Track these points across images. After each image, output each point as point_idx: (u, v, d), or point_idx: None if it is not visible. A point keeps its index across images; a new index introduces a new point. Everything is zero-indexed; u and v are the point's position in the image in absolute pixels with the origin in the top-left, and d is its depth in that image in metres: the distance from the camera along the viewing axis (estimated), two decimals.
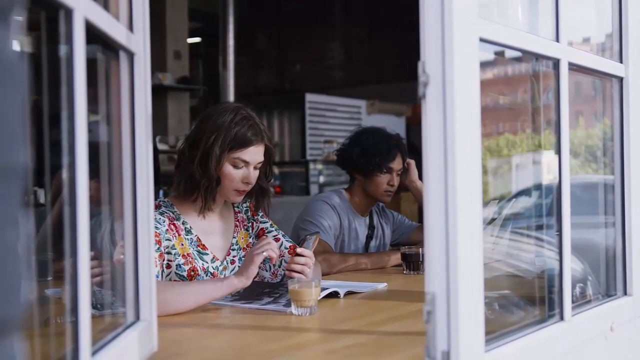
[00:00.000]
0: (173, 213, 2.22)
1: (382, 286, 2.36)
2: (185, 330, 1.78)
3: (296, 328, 1.77)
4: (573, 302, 1.56)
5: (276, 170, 7.78)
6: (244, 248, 2.36)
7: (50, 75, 1.06)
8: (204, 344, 1.65)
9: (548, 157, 1.91)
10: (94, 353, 1.10)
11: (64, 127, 1.03)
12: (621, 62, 1.82)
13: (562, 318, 1.52)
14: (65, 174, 1.03)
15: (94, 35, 1.12)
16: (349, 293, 2.19)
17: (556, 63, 1.52)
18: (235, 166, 2.20)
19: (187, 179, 2.21)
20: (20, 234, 0.58)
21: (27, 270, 0.60)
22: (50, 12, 1.01)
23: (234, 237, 2.35)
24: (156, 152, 5.05)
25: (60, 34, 1.02)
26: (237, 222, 2.39)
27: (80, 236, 1.02)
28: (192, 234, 2.23)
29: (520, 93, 2.09)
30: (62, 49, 1.03)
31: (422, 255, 2.66)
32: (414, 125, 8.32)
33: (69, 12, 1.01)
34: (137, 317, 1.38)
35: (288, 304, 1.92)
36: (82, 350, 1.02)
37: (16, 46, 0.60)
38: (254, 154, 2.22)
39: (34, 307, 1.14)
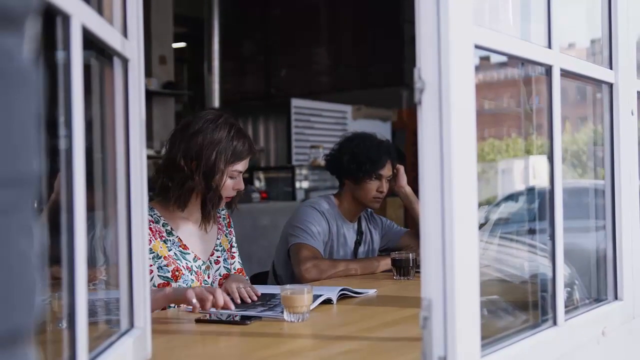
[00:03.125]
0: (152, 216, 2.25)
1: (372, 292, 2.36)
2: (178, 338, 1.77)
3: (289, 334, 1.77)
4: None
5: (262, 175, 7.76)
6: (227, 250, 2.45)
7: (46, 80, 1.05)
8: (197, 352, 1.64)
9: (534, 162, 1.92)
10: None
11: (61, 133, 1.03)
12: (611, 68, 1.83)
13: (555, 323, 1.53)
14: (62, 180, 1.02)
15: (88, 40, 1.12)
16: (342, 296, 2.19)
17: (548, 69, 1.53)
18: (231, 177, 2.30)
19: (187, 192, 2.26)
20: (34, 242, 0.58)
21: (39, 279, 0.59)
22: (47, 18, 1.00)
23: (218, 239, 2.43)
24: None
25: (57, 39, 1.01)
26: (220, 225, 2.47)
27: (77, 243, 1.02)
28: (173, 235, 2.29)
29: (506, 98, 2.10)
30: (59, 55, 1.03)
31: (412, 260, 2.67)
32: (400, 130, 8.34)
33: (66, 18, 1.00)
34: (132, 325, 1.37)
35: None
36: (79, 357, 1.01)
37: (29, 54, 0.60)
38: (247, 163, 2.34)
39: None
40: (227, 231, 2.50)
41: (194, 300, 1.90)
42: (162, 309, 2.10)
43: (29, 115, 0.57)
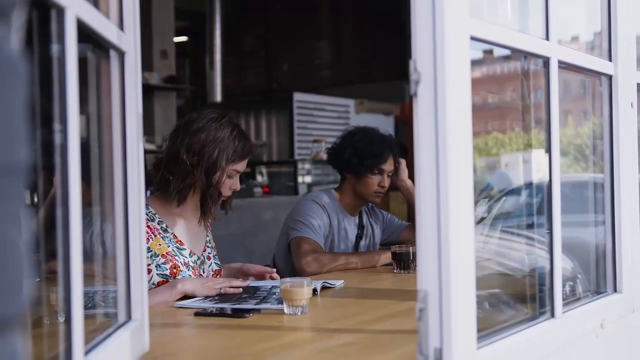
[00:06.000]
0: (147, 214, 2.26)
1: (339, 283, 2.39)
2: (176, 330, 1.78)
3: (288, 327, 1.77)
4: (563, 299, 1.57)
5: (264, 170, 7.76)
6: (214, 247, 2.50)
7: (41, 74, 1.05)
8: (195, 344, 1.64)
9: (537, 156, 1.92)
10: (86, 352, 1.09)
11: (55, 127, 1.03)
12: (610, 60, 1.83)
13: (553, 315, 1.53)
14: (57, 175, 1.02)
15: (84, 34, 1.12)
16: (324, 288, 2.25)
17: (546, 61, 1.53)
18: (229, 176, 2.33)
19: (187, 187, 2.29)
20: (22, 231, 0.59)
21: (28, 267, 0.60)
22: (41, 10, 1.00)
23: (207, 236, 2.48)
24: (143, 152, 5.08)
25: (51, 32, 1.01)
26: (209, 223, 2.50)
27: (73, 237, 1.02)
28: (168, 232, 2.31)
29: (509, 92, 2.09)
30: (54, 48, 1.03)
31: (413, 254, 2.67)
32: (403, 124, 8.33)
33: (60, 11, 1.00)
34: (129, 317, 1.38)
35: (280, 302, 1.92)
36: (75, 349, 1.02)
37: (17, 45, 0.60)
38: (245, 164, 2.38)
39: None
40: (211, 230, 2.55)
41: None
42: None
43: (16, 106, 0.57)
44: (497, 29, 1.38)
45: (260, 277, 2.44)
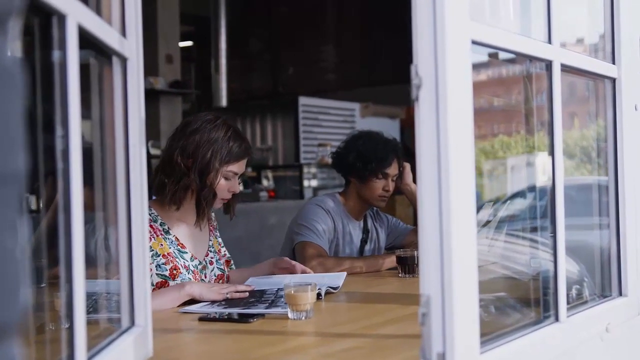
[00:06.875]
0: (150, 215, 2.27)
1: (342, 276, 2.41)
2: (180, 336, 1.78)
3: (292, 332, 1.77)
4: (569, 303, 1.56)
5: (270, 174, 7.77)
6: (217, 252, 2.49)
7: (43, 80, 1.05)
8: (199, 350, 1.64)
9: (542, 159, 1.91)
10: (89, 358, 1.09)
11: (58, 133, 1.03)
12: (614, 63, 1.82)
13: (557, 319, 1.52)
14: (59, 180, 1.02)
15: (86, 40, 1.12)
16: (328, 293, 2.23)
17: (549, 65, 1.53)
18: (226, 178, 2.33)
19: (182, 189, 2.29)
20: (19, 239, 0.59)
21: (25, 274, 0.60)
22: (43, 17, 1.01)
23: (210, 240, 2.47)
24: (148, 157, 5.09)
25: (53, 39, 1.02)
26: (211, 228, 2.51)
27: (75, 242, 1.02)
28: (170, 234, 2.32)
29: (515, 95, 2.09)
30: (55, 55, 1.03)
31: (417, 258, 2.66)
32: (408, 127, 8.32)
33: (62, 18, 1.01)
34: (132, 323, 1.38)
35: (287, 306, 1.91)
36: (78, 355, 1.02)
37: (14, 52, 0.60)
38: (243, 166, 2.37)
39: (30, 314, 1.14)
40: (216, 234, 2.55)
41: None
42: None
43: (13, 113, 0.58)
44: (499, 33, 1.38)
45: (292, 271, 2.47)
